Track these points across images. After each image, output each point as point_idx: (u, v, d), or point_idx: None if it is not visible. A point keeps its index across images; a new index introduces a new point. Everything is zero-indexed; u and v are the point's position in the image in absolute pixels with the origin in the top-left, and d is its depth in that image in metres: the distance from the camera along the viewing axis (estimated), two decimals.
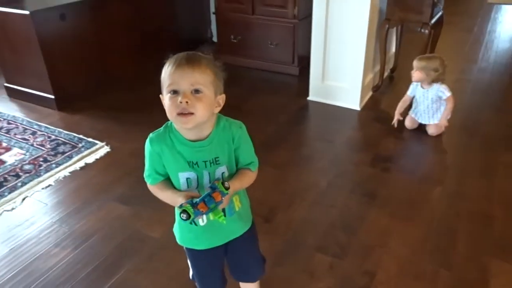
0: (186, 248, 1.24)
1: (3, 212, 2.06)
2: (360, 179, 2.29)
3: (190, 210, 0.97)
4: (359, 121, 2.92)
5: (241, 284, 1.45)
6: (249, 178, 1.13)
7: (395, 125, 2.71)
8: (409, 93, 2.69)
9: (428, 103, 2.61)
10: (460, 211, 2.02)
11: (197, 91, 0.96)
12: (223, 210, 1.07)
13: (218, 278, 1.30)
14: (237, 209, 1.17)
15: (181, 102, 0.94)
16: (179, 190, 1.08)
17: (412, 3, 2.91)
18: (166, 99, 0.99)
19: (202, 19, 4.21)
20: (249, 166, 1.13)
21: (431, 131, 2.64)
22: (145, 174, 1.12)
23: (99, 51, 3.30)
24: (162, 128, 1.08)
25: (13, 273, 1.72)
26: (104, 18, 3.28)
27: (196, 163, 1.05)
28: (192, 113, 0.96)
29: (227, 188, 1.01)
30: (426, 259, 1.75)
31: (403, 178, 2.29)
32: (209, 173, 1.07)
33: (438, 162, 2.50)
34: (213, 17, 4.01)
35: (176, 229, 1.22)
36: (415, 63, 2.57)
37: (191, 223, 1.08)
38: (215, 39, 4.13)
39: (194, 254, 1.23)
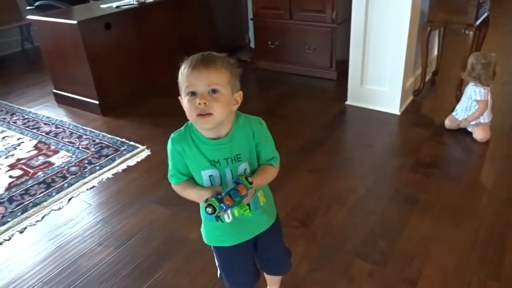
0: (214, 247, 1.25)
1: (50, 211, 2.16)
2: (400, 184, 2.22)
3: (216, 204, 0.98)
4: (399, 126, 2.85)
5: (267, 278, 1.47)
6: (270, 173, 1.13)
7: None
8: None
9: (464, 96, 2.61)
10: (509, 219, 1.92)
11: (214, 91, 0.97)
12: (248, 205, 1.08)
13: (248, 274, 1.30)
14: (261, 203, 1.17)
15: (199, 104, 0.96)
16: (204, 188, 1.09)
17: (456, 4, 2.82)
18: (184, 101, 1.01)
19: (240, 25, 4.26)
20: (271, 161, 1.13)
21: (479, 136, 2.53)
22: (169, 174, 1.14)
23: (140, 58, 3.41)
24: (183, 128, 1.10)
25: (59, 269, 1.79)
26: (146, 26, 3.39)
27: (218, 161, 1.06)
28: (210, 114, 0.97)
29: (250, 183, 1.02)
30: (472, 269, 1.67)
31: (446, 184, 2.20)
32: (231, 170, 1.07)
33: (484, 168, 2.39)
34: (250, 23, 4.05)
35: (203, 229, 1.24)
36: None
37: (217, 219, 1.10)
38: (252, 45, 4.16)
39: (222, 251, 1.24)
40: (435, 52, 3.55)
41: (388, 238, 1.85)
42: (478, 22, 2.82)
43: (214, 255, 1.29)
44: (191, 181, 1.12)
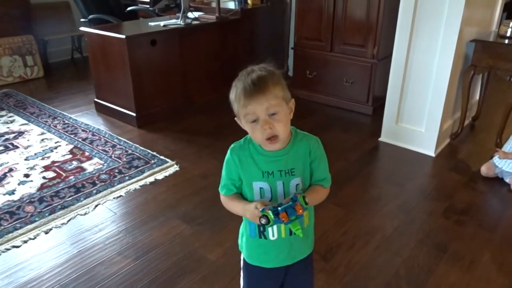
0: (246, 267, 1.22)
1: (77, 215, 2.20)
2: (430, 229, 2.13)
3: (271, 217, 0.98)
4: (433, 168, 2.76)
5: None
6: (321, 194, 1.13)
7: None
8: None
9: (508, 144, 2.48)
10: None
11: (273, 114, 1.00)
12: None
13: None
14: (305, 226, 1.15)
15: (265, 129, 0.99)
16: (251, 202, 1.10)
17: (502, 51, 2.75)
18: (247, 127, 1.04)
19: (280, 53, 4.33)
20: (322, 182, 1.13)
21: None
22: (221, 184, 1.15)
23: (181, 76, 3.50)
24: (242, 140, 1.13)
25: (77, 274, 1.81)
26: (190, 46, 3.49)
27: (272, 172, 1.07)
28: (277, 136, 1.01)
29: (306, 203, 1.02)
30: None
31: (480, 234, 2.10)
32: (283, 183, 1.08)
33: None
34: (291, 52, 4.11)
35: (242, 246, 1.22)
36: None
37: (260, 236, 1.11)
38: (290, 73, 4.21)
39: (255, 273, 1.21)
40: (477, 97, 3.46)
41: (413, 283, 1.77)
42: None
43: (242, 275, 1.26)
44: (239, 195, 1.14)
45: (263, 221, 0.98)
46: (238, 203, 1.11)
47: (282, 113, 1.01)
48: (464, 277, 1.80)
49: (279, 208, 0.99)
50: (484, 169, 2.59)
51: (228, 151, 1.12)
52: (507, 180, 2.51)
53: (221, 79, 3.81)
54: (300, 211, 0.99)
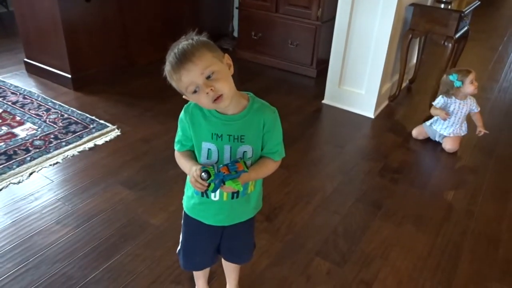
0: (187, 221, 1.25)
1: (9, 184, 2.08)
2: (367, 188, 2.26)
3: (212, 171, 1.00)
4: (372, 130, 2.89)
5: (225, 270, 1.50)
6: (268, 168, 1.14)
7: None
8: (442, 106, 2.61)
9: (460, 116, 2.59)
10: (467, 230, 1.98)
11: (210, 76, 0.99)
12: (237, 192, 1.12)
13: (207, 258, 1.34)
14: (249, 191, 1.18)
15: (208, 93, 0.98)
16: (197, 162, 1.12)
17: (438, 16, 2.86)
18: (193, 98, 1.03)
19: (225, 13, 4.20)
20: (273, 155, 1.14)
21: (448, 146, 2.59)
22: (175, 140, 1.16)
23: (121, 36, 3.31)
24: None
25: (13, 245, 1.73)
26: (130, 4, 3.29)
27: (221, 135, 1.08)
28: (221, 94, 1.00)
29: (247, 167, 1.05)
30: (426, 275, 1.71)
31: (411, 191, 2.25)
32: (230, 148, 1.09)
33: (450, 179, 2.45)
34: (236, 12, 4.01)
35: (185, 200, 1.25)
36: (473, 75, 2.51)
37: (202, 195, 1.14)
38: (236, 34, 4.12)
39: (195, 226, 1.23)
40: (414, 60, 3.61)
41: (349, 239, 1.88)
42: (457, 35, 2.88)
43: (182, 229, 1.29)
44: (191, 153, 1.14)
45: (204, 175, 1.00)
46: (187, 162, 1.12)
47: (219, 71, 1.00)
48: (395, 232, 1.94)
49: (220, 165, 1.02)
50: (414, 132, 2.74)
51: (183, 109, 1.11)
52: (438, 139, 2.67)
53: (165, 39, 3.59)
54: (241, 167, 1.02)
